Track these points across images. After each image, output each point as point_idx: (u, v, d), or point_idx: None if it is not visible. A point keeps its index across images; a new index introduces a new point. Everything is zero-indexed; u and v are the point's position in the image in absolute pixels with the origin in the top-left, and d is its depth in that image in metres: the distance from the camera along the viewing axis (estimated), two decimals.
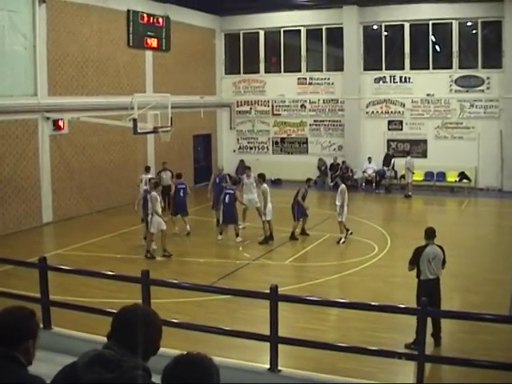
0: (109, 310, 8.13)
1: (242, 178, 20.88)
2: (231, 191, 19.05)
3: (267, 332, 7.88)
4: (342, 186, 19.00)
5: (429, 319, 8.69)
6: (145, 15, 26.88)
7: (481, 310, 10.45)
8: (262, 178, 19.34)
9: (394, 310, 9.03)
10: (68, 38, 22.57)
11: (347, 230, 18.86)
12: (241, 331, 8.93)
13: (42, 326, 8.76)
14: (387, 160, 29.62)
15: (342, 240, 18.61)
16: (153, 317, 3.46)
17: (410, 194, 27.38)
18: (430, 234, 10.79)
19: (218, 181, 21.22)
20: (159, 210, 17.09)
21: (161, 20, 27.87)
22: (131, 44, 26.23)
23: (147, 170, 21.56)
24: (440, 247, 10.74)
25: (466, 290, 13.96)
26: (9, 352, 3.52)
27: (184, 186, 20.11)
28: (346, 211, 18.66)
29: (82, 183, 23.50)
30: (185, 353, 3.00)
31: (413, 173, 27.85)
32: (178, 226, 20.02)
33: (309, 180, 19.91)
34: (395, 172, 29.48)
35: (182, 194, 20.05)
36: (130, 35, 26.10)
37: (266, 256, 17.59)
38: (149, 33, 27.26)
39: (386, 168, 29.50)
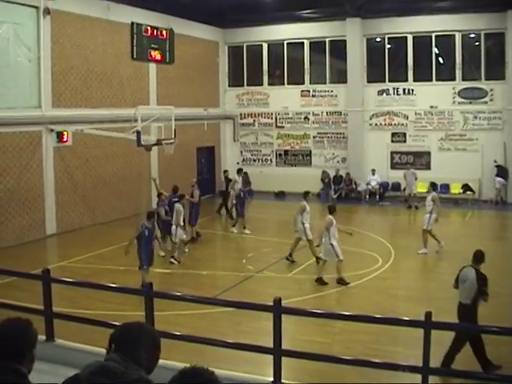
0: (112, 322, 8.10)
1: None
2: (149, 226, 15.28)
3: (271, 345, 7.85)
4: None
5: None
6: (148, 28, 27.02)
7: (488, 322, 10.33)
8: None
9: (398, 322, 8.98)
10: (72, 51, 22.66)
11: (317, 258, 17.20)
12: (244, 344, 8.89)
13: (45, 338, 8.75)
14: (503, 172, 27.96)
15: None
16: (153, 334, 3.55)
17: (416, 205, 26.94)
18: (477, 257, 10.15)
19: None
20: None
21: (164, 33, 27.99)
22: (135, 56, 26.34)
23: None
24: (481, 274, 9.91)
25: None
26: (12, 365, 3.52)
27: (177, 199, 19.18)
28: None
29: (85, 195, 23.52)
30: (190, 366, 3.00)
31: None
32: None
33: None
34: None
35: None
36: (134, 48, 26.22)
37: (270, 268, 17.54)
38: (152, 45, 27.38)
39: (502, 180, 27.90)
